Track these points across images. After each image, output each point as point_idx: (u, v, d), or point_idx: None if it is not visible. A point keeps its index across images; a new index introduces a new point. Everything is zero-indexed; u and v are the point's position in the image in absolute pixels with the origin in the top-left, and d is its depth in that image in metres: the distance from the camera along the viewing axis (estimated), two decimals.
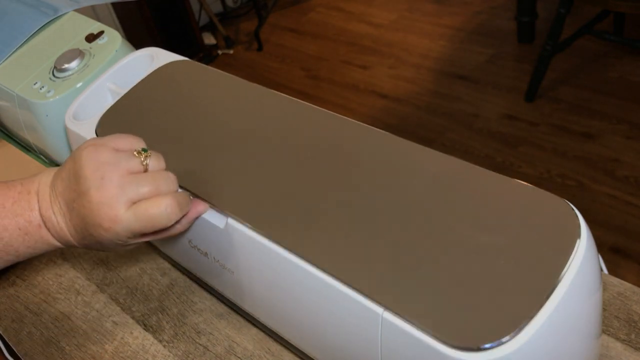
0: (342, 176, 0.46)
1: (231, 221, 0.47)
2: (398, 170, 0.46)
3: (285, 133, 0.52)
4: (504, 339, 0.33)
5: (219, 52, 2.66)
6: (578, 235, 0.37)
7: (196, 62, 0.65)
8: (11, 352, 0.63)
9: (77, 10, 0.80)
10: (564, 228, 0.38)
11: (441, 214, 0.41)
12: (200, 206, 0.48)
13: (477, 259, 0.38)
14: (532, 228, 0.39)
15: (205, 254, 0.52)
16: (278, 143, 0.51)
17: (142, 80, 0.64)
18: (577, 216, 0.39)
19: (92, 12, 2.46)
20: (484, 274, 0.37)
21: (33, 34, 0.78)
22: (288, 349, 0.54)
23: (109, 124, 0.60)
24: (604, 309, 0.51)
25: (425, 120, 1.99)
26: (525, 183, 0.42)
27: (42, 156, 0.81)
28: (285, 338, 0.51)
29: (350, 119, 0.51)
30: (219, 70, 0.63)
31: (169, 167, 0.47)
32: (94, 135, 0.60)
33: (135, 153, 0.45)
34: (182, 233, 0.50)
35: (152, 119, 0.59)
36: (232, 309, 0.59)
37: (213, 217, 0.48)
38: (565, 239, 0.37)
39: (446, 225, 0.40)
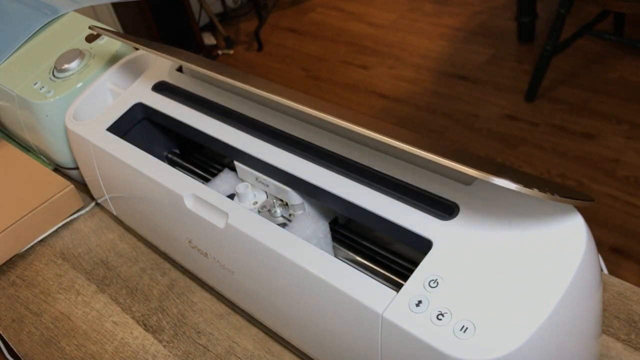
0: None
1: (231, 221, 0.47)
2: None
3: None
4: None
5: (219, 52, 2.66)
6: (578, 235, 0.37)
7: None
8: (11, 352, 0.64)
9: (77, 10, 0.80)
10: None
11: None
12: None
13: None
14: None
15: (205, 254, 0.52)
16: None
17: None
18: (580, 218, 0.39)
19: (92, 12, 2.46)
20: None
21: (33, 34, 0.78)
22: (288, 349, 0.54)
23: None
24: (604, 309, 0.51)
25: (425, 120, 1.98)
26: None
27: (42, 156, 0.81)
28: (285, 338, 0.51)
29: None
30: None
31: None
32: (94, 134, 0.60)
33: None
34: (182, 233, 0.50)
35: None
36: (232, 309, 0.59)
37: (213, 217, 0.48)
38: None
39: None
